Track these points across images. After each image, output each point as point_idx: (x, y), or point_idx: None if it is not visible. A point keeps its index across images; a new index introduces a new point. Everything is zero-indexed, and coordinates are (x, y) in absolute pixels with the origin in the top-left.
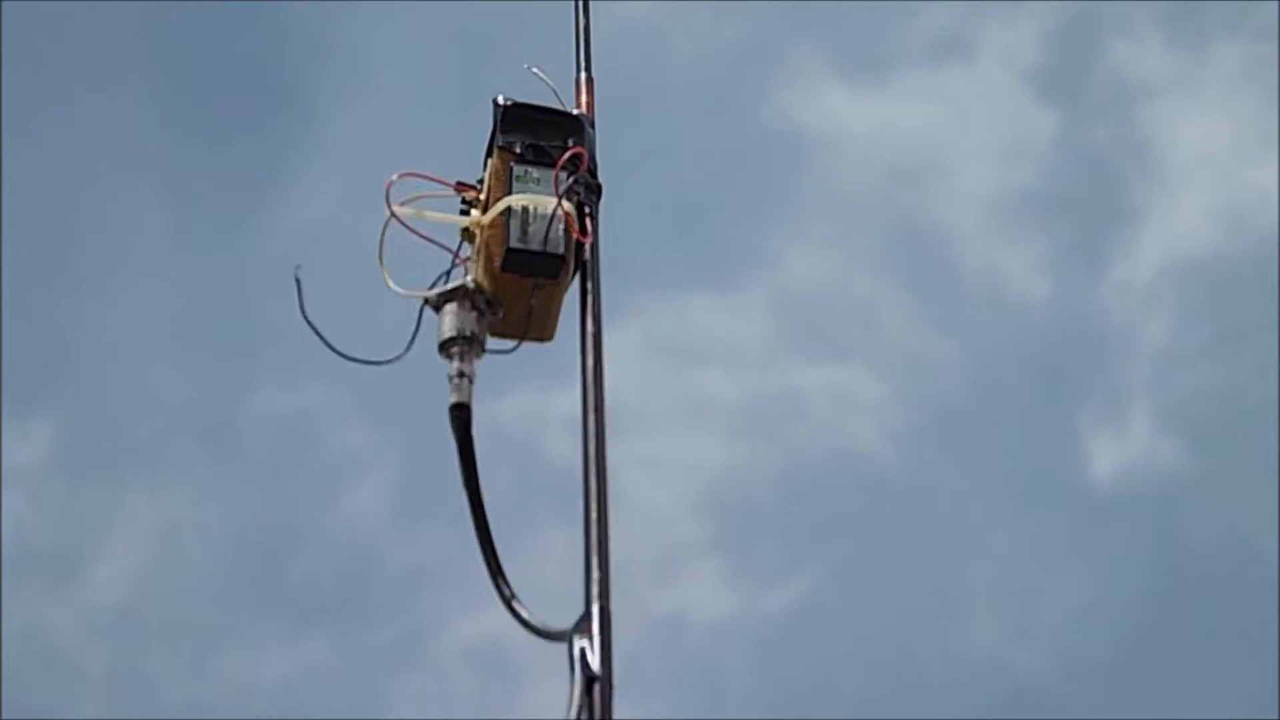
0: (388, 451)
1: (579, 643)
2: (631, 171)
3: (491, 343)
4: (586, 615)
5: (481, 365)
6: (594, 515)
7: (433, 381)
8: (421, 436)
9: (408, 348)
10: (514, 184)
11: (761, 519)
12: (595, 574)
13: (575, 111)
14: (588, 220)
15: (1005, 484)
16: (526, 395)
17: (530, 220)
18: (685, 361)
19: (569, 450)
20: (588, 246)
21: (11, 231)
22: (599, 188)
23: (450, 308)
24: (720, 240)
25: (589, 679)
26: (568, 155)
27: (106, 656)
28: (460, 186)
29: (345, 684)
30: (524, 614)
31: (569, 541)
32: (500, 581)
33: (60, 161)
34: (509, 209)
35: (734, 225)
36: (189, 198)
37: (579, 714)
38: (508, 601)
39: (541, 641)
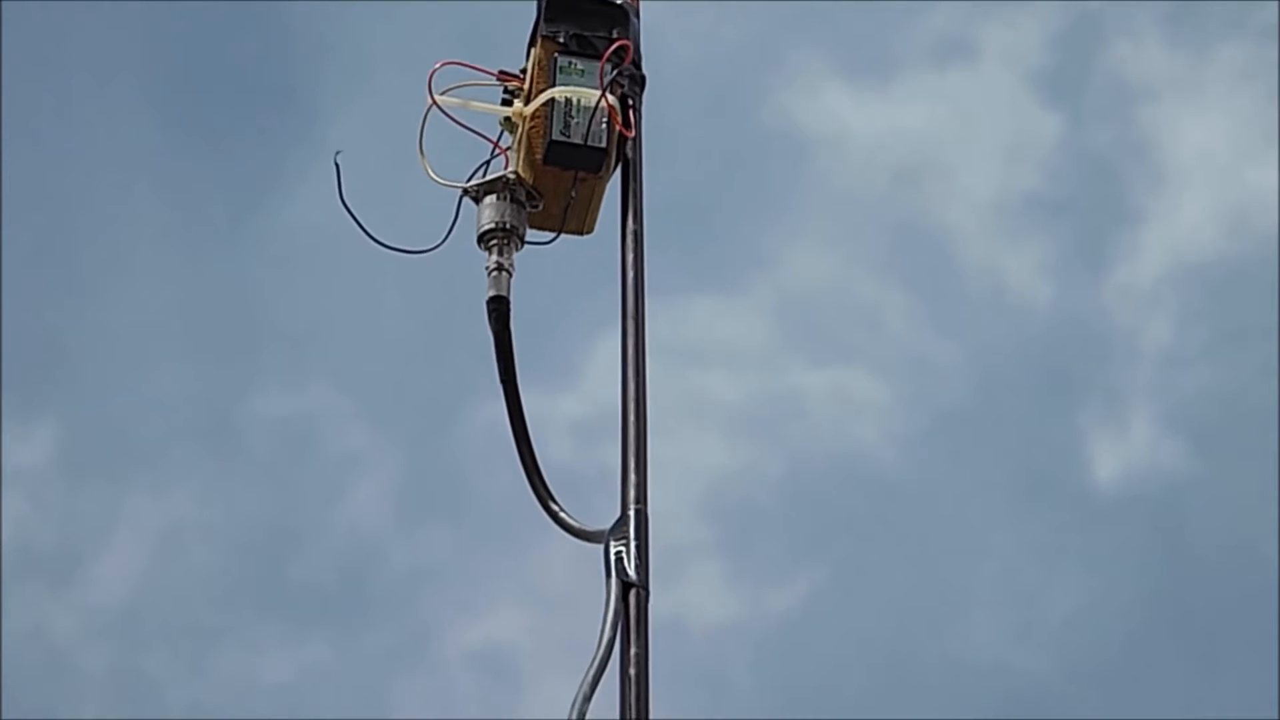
0: (390, 452)
1: (615, 546)
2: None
3: (530, 234)
4: (623, 518)
5: (483, 367)
6: (632, 418)
7: (435, 383)
8: (424, 437)
9: (445, 237)
10: (558, 75)
11: (763, 521)
12: (633, 477)
13: (620, 1)
14: (631, 114)
15: (1007, 485)
16: (530, 398)
17: (574, 112)
18: (686, 363)
19: (573, 454)
20: (630, 141)
21: (11, 232)
22: (643, 80)
23: (490, 199)
24: (721, 242)
25: (625, 585)
26: (613, 47)
27: (107, 658)
28: (503, 76)
29: (347, 686)
30: (562, 514)
31: (575, 546)
32: (536, 479)
33: (60, 162)
34: (552, 100)
35: (735, 227)
36: (189, 198)
37: (616, 620)
38: (543, 500)
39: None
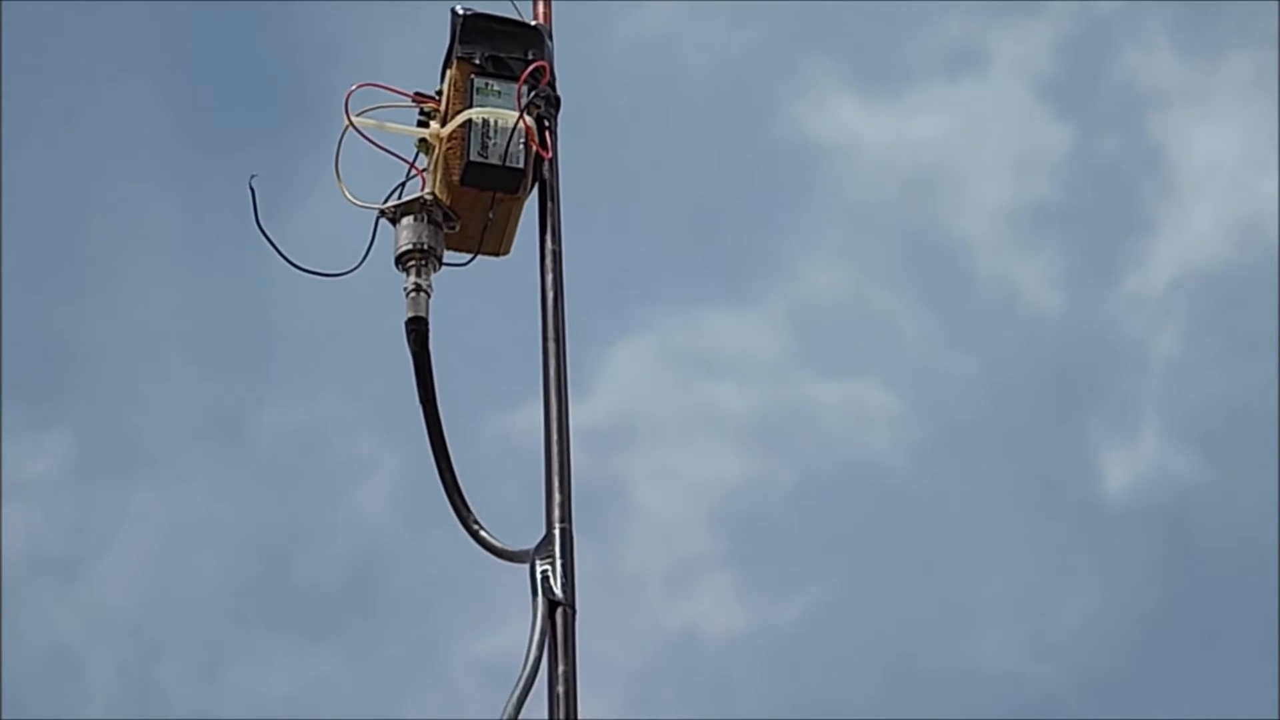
0: (399, 461)
1: (541, 566)
2: (646, 183)
3: (448, 256)
4: (548, 537)
5: (494, 373)
6: (554, 438)
7: (445, 392)
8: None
9: (362, 260)
10: (475, 96)
11: (775, 532)
12: (557, 496)
13: (534, 23)
14: (548, 135)
15: (1017, 496)
16: (537, 407)
17: (491, 133)
18: (699, 374)
19: (581, 461)
20: (548, 162)
21: (21, 237)
22: (559, 101)
23: (407, 220)
24: (734, 252)
25: (552, 603)
26: (530, 69)
27: (117, 667)
28: (419, 98)
29: (356, 697)
30: (484, 534)
31: (585, 558)
32: (457, 499)
33: (73, 169)
34: (469, 121)
35: (748, 237)
36: (201, 205)
37: (543, 639)
38: (465, 521)
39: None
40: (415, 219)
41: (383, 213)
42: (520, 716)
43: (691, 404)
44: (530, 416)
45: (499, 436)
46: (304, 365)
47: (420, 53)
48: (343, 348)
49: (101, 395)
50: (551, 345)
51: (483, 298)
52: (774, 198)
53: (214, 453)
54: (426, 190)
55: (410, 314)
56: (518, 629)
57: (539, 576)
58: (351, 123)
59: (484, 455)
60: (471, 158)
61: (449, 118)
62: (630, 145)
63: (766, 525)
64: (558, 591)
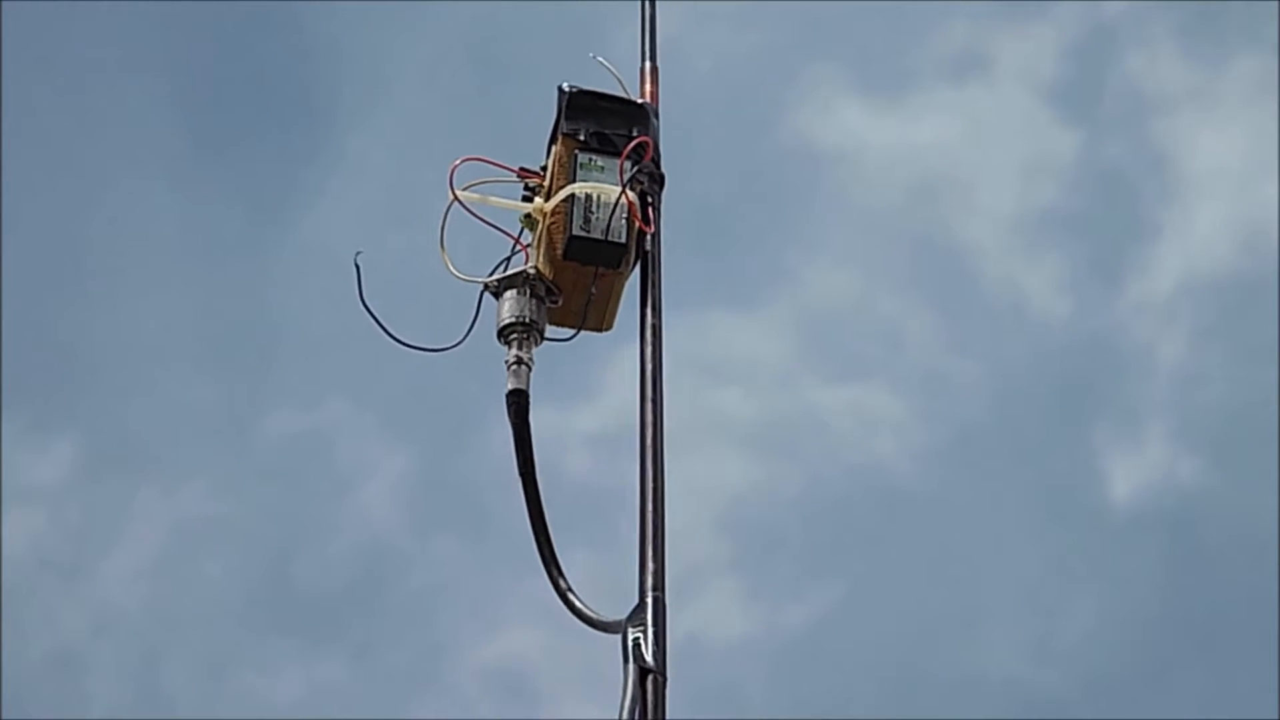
0: (406, 467)
1: (633, 634)
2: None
3: (550, 330)
4: (641, 605)
5: (500, 385)
6: (650, 507)
7: (453, 399)
8: (441, 454)
9: (467, 333)
10: (578, 171)
11: (781, 537)
12: (650, 565)
13: (640, 100)
14: (650, 210)
15: (1024, 501)
16: (547, 413)
17: (594, 208)
18: (706, 379)
19: (588, 468)
20: (649, 236)
21: (23, 239)
22: (662, 178)
23: (510, 294)
24: (740, 257)
25: (643, 671)
26: (633, 145)
27: (121, 672)
28: (523, 172)
29: (361, 704)
30: (579, 604)
31: (590, 559)
32: (555, 571)
33: (76, 170)
34: (572, 196)
35: (754, 242)
36: (208, 211)
37: (634, 706)
38: (562, 593)
39: (591, 635)
40: (519, 293)
41: (487, 286)
42: None
43: (698, 409)
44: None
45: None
46: (310, 368)
47: (425, 55)
48: (348, 351)
49: (106, 399)
50: (649, 413)
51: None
52: (780, 203)
53: (219, 456)
54: (530, 264)
55: (511, 386)
56: (522, 636)
57: (631, 644)
58: (457, 197)
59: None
60: (574, 232)
61: (553, 193)
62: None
63: (773, 530)
64: (649, 659)
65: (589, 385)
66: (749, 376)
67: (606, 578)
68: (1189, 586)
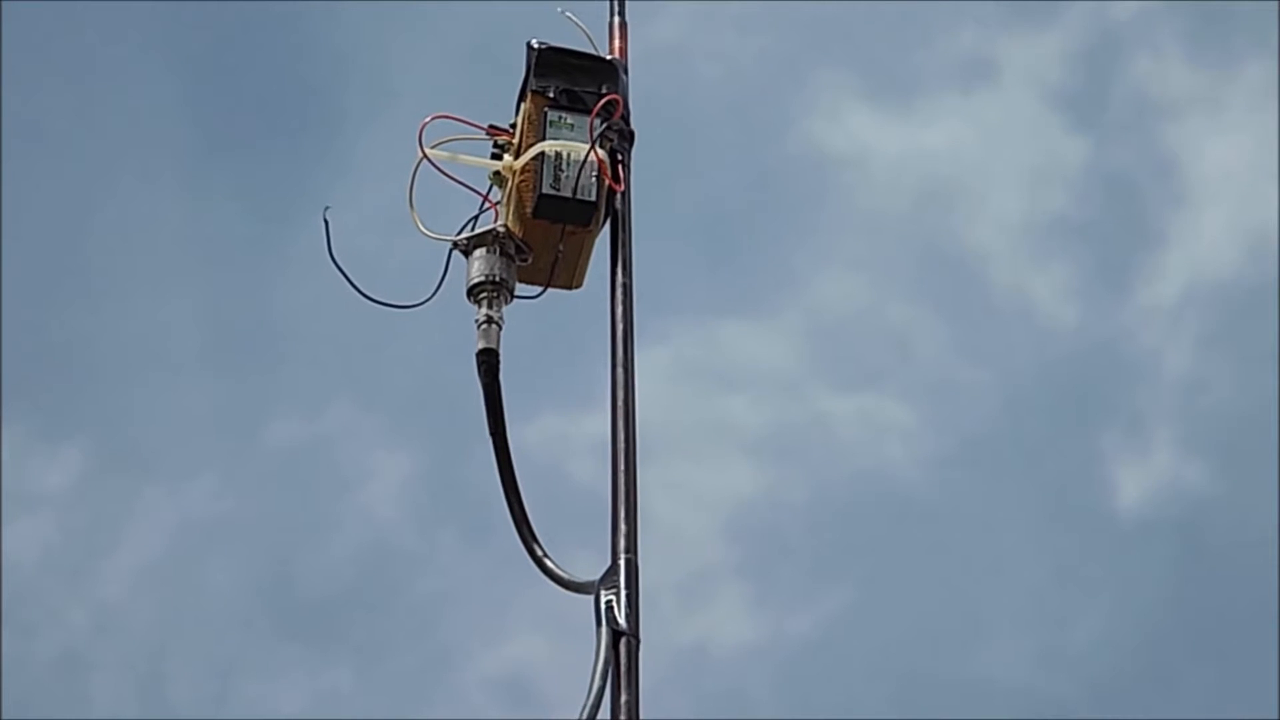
0: (413, 471)
1: (606, 596)
2: (659, 195)
3: (519, 288)
4: (614, 568)
5: (507, 386)
6: (622, 467)
7: (460, 404)
8: (448, 458)
9: (435, 292)
10: (548, 129)
11: (788, 544)
12: (623, 527)
13: (609, 57)
14: (620, 168)
15: (1031, 509)
16: (552, 419)
17: (563, 166)
18: (714, 386)
19: (595, 475)
20: (619, 195)
21: (25, 240)
22: (632, 135)
23: (479, 252)
24: (748, 264)
25: (616, 633)
26: (603, 102)
27: (127, 681)
28: (493, 130)
29: (367, 711)
30: (549, 564)
31: (593, 561)
32: (525, 530)
33: (84, 177)
34: (542, 154)
35: (762, 249)
36: (215, 213)
37: (606, 668)
38: (533, 551)
39: (568, 596)
40: (488, 251)
41: (455, 244)
42: None
43: (706, 416)
44: (541, 431)
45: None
46: (316, 371)
47: (429, 56)
48: (354, 353)
49: (112, 403)
50: (620, 374)
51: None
52: (787, 209)
53: (225, 460)
54: (499, 223)
55: (481, 345)
56: (529, 644)
57: (603, 607)
58: (426, 155)
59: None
60: (544, 190)
61: (522, 150)
62: (642, 155)
63: (780, 537)
64: (622, 622)
65: (594, 390)
66: (757, 383)
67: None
68: (1196, 593)
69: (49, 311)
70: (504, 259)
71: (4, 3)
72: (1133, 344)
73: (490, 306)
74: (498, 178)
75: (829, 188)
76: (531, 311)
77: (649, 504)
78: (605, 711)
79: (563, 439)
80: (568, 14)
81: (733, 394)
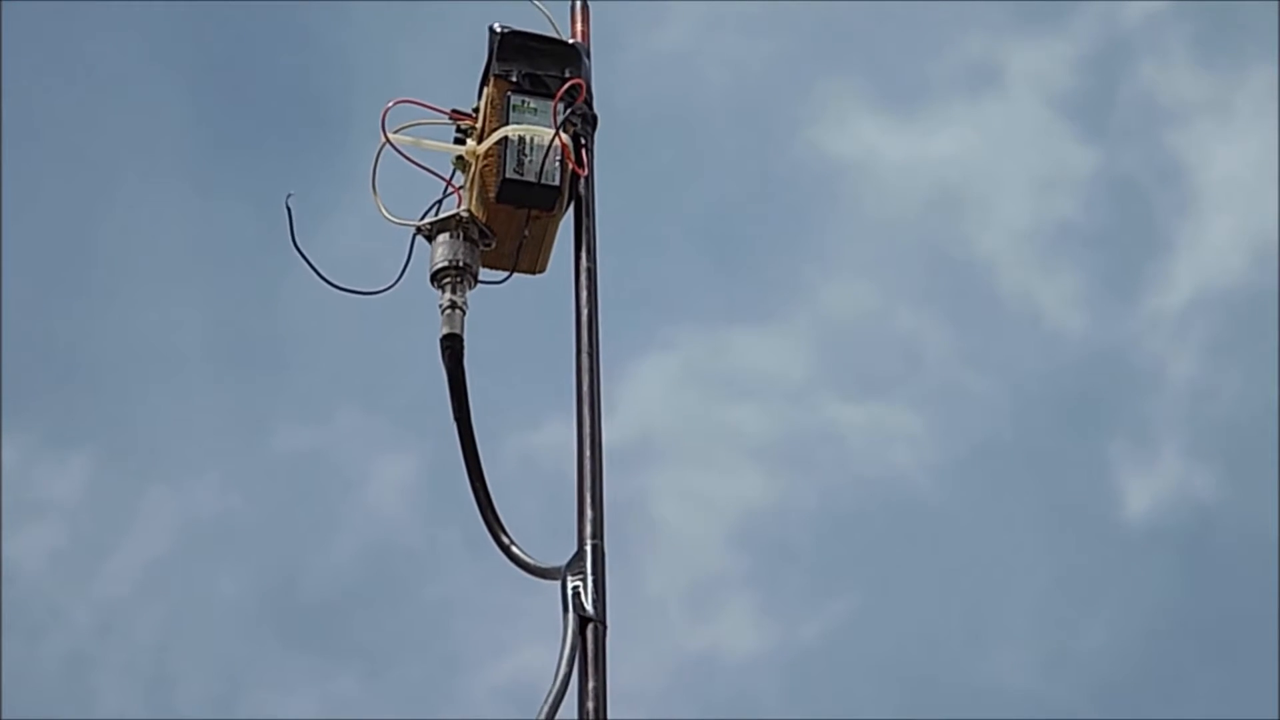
0: (418, 476)
1: (573, 582)
2: (668, 202)
3: (483, 274)
4: (580, 554)
5: (510, 391)
6: (588, 454)
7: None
8: (453, 461)
9: (399, 277)
10: (511, 114)
11: (797, 550)
12: (589, 513)
13: (572, 41)
14: (584, 152)
15: (1038, 515)
16: (558, 428)
17: (527, 151)
18: (721, 393)
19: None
20: (583, 179)
21: (26, 241)
22: (595, 119)
23: (443, 237)
24: (756, 270)
25: (583, 619)
26: (566, 86)
27: (135, 692)
28: (456, 115)
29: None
30: (515, 550)
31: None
32: (490, 516)
33: (91, 179)
34: (505, 139)
35: (770, 255)
36: (222, 216)
37: (573, 655)
38: (497, 537)
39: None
40: (451, 236)
41: (419, 230)
42: None
43: (713, 423)
44: (550, 435)
45: (519, 454)
46: (322, 374)
47: (435, 57)
48: (362, 357)
49: (118, 406)
50: (585, 360)
51: (495, 314)
52: (795, 215)
53: (231, 464)
54: (463, 207)
55: (445, 330)
56: (538, 651)
57: (570, 592)
58: (389, 139)
59: (503, 472)
60: (507, 175)
61: (485, 135)
62: (650, 161)
63: (788, 544)
64: (589, 608)
65: (603, 401)
66: (765, 390)
67: (614, 583)
68: (1202, 599)
69: (53, 315)
70: (468, 244)
71: (8, 2)
72: (1140, 351)
73: (454, 291)
74: (461, 162)
75: (837, 195)
76: (543, 318)
77: (656, 511)
78: (573, 698)
79: (568, 447)
80: None
81: (741, 401)
